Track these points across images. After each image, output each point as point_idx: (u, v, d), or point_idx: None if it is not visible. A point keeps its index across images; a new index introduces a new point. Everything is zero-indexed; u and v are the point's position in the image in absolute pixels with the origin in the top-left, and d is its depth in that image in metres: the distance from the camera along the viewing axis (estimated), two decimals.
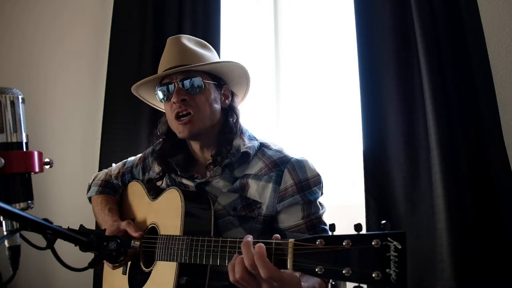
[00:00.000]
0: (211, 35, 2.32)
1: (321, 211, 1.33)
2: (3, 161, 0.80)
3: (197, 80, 1.36)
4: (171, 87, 1.36)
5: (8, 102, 0.84)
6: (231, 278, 0.95)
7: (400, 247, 0.74)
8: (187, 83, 1.35)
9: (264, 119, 2.45)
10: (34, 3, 2.85)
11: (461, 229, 1.73)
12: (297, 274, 0.94)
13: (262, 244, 0.92)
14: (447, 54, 1.85)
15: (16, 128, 0.85)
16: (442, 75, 1.83)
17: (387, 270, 0.74)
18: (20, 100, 0.86)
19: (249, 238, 0.95)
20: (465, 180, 1.78)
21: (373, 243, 0.76)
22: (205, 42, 1.51)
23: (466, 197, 1.77)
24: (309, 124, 2.37)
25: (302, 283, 1.01)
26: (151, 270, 1.31)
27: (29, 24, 2.83)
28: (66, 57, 2.75)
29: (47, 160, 0.89)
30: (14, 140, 0.84)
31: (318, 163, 1.40)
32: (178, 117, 1.35)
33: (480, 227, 1.75)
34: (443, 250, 1.75)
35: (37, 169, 0.87)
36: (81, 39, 2.74)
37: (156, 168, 1.52)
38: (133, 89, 1.52)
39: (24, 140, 0.86)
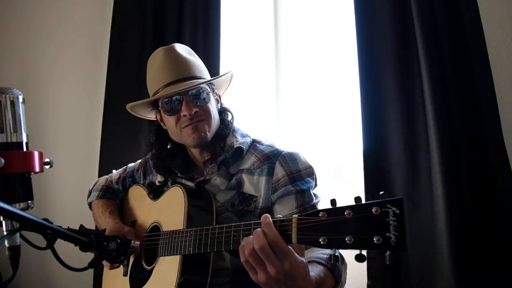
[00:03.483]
0: (211, 36, 2.32)
1: (315, 200, 1.34)
2: (3, 161, 0.80)
3: (204, 91, 1.38)
4: (175, 99, 1.36)
5: (8, 102, 0.84)
6: (241, 258, 0.97)
7: (398, 212, 0.77)
8: (196, 95, 1.36)
9: (264, 118, 2.45)
10: (35, 4, 2.85)
11: (461, 229, 1.73)
12: (305, 260, 0.96)
13: (267, 214, 0.96)
14: (447, 54, 1.85)
15: (16, 128, 0.85)
16: (442, 75, 1.83)
17: (387, 234, 0.77)
18: (20, 100, 0.86)
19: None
20: (465, 180, 1.78)
21: (373, 210, 0.79)
22: (190, 49, 1.51)
23: (466, 197, 1.77)
24: (309, 124, 2.37)
25: (310, 273, 1.02)
26: (153, 267, 1.31)
27: (29, 25, 2.84)
28: (67, 57, 2.75)
29: (47, 160, 0.89)
30: (14, 140, 0.84)
31: (318, 163, 1.41)
32: (187, 126, 1.36)
33: (480, 227, 1.75)
34: (443, 250, 1.75)
35: (37, 169, 0.87)
36: (82, 39, 2.74)
37: (159, 175, 1.54)
38: (129, 106, 1.49)
39: (24, 140, 0.86)
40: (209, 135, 1.39)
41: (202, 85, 1.38)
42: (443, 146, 1.78)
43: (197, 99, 1.37)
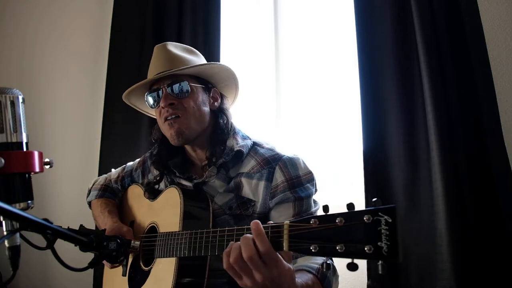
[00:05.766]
0: (211, 36, 2.33)
1: (313, 209, 1.33)
2: (3, 161, 0.80)
3: (184, 84, 1.37)
4: (160, 92, 1.38)
5: (8, 102, 0.84)
6: (224, 264, 0.95)
7: (390, 220, 0.76)
8: (174, 87, 1.36)
9: (264, 119, 2.45)
10: (35, 3, 2.85)
11: (461, 229, 1.73)
12: (292, 266, 0.95)
13: (257, 220, 0.94)
14: (447, 54, 1.85)
15: (16, 128, 0.85)
16: (442, 75, 1.83)
17: (378, 243, 0.76)
18: (20, 100, 0.86)
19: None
20: (465, 180, 1.78)
21: (364, 219, 0.78)
22: (192, 48, 1.52)
23: (466, 197, 1.77)
24: (309, 124, 2.37)
25: (296, 279, 1.01)
26: (151, 268, 1.32)
27: (29, 25, 2.84)
28: (67, 57, 2.75)
29: (47, 160, 0.89)
30: (14, 140, 0.84)
31: (318, 163, 1.41)
32: (166, 120, 1.37)
33: (480, 227, 1.75)
34: (443, 250, 1.75)
35: (37, 169, 0.87)
36: (82, 39, 2.74)
37: (155, 171, 1.53)
38: (124, 97, 1.51)
39: (24, 140, 0.86)
40: (188, 133, 1.37)
41: (182, 79, 1.36)
42: (443, 146, 1.78)
43: (178, 92, 1.36)
